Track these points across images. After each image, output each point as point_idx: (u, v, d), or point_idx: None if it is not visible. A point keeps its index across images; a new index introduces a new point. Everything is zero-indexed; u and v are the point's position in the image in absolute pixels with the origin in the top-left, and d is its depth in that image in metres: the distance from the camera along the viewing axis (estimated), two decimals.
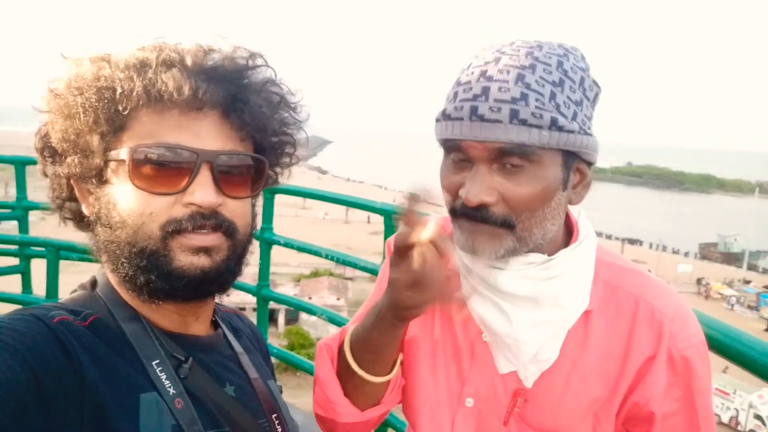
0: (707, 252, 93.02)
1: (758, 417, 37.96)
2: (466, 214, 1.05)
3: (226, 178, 0.92)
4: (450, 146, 1.06)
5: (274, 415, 1.05)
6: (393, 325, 1.07)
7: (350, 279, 49.55)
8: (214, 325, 1.09)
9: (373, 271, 2.98)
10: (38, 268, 4.66)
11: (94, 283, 0.98)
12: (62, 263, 4.23)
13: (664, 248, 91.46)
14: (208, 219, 0.90)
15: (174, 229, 0.88)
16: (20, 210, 5.20)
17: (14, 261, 5.30)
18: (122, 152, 0.88)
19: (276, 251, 3.93)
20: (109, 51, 0.91)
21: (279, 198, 3.99)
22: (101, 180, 0.91)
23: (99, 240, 0.93)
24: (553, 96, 0.99)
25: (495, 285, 1.09)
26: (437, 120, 1.08)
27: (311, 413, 1.32)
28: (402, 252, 0.97)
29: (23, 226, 5.30)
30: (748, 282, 73.46)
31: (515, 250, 1.06)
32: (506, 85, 0.98)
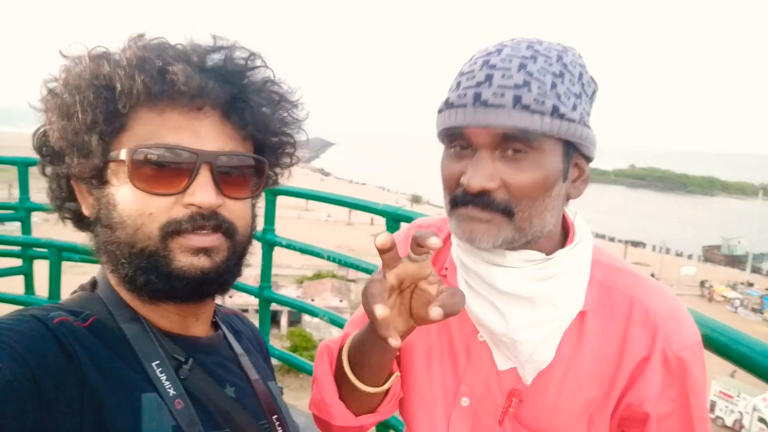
0: (711, 254, 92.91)
1: (762, 420, 37.85)
2: (466, 201, 1.04)
3: (226, 178, 0.92)
4: (452, 134, 1.06)
5: (274, 417, 1.05)
6: (379, 338, 1.03)
7: (353, 281, 49.54)
8: (215, 326, 1.09)
9: None
10: (41, 269, 4.67)
11: (94, 284, 0.98)
12: (65, 264, 4.23)
13: (668, 251, 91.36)
14: (208, 220, 0.89)
15: (174, 230, 0.87)
16: (23, 211, 5.20)
17: (17, 262, 5.30)
18: (122, 153, 0.88)
19: (279, 253, 3.93)
20: (108, 49, 0.91)
21: (282, 200, 3.99)
22: (101, 180, 0.91)
23: (99, 240, 0.93)
24: (554, 85, 1.00)
25: (492, 283, 1.09)
26: (440, 111, 1.08)
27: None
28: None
29: (26, 228, 5.30)
30: (750, 285, 73.30)
31: (513, 241, 1.05)
32: (509, 72, 0.99)
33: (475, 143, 1.02)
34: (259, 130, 0.96)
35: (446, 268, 1.24)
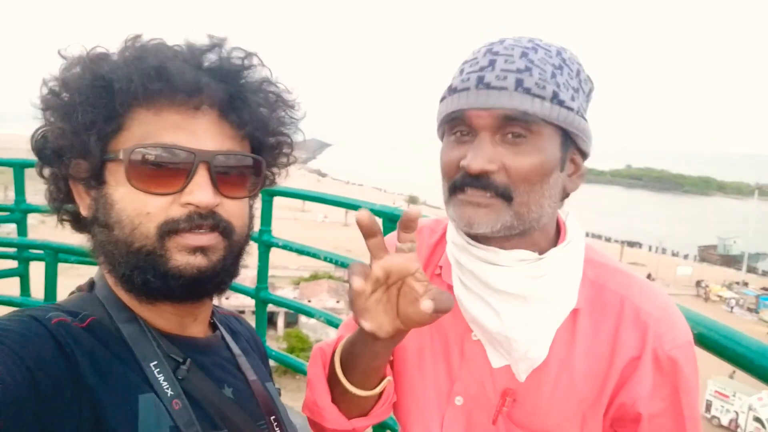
0: (707, 254, 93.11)
1: (758, 419, 37.96)
2: (465, 184, 1.05)
3: (223, 178, 0.92)
4: (454, 119, 1.07)
5: (272, 417, 1.04)
6: (368, 341, 1.04)
7: (349, 281, 49.36)
8: (213, 327, 1.09)
9: None
10: (37, 271, 4.66)
11: (92, 285, 0.98)
12: (61, 266, 4.22)
13: (664, 251, 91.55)
14: (205, 219, 0.89)
15: (171, 229, 0.87)
16: (19, 213, 5.19)
17: (13, 264, 5.29)
18: (120, 153, 0.88)
19: (276, 254, 3.92)
20: (106, 49, 0.91)
21: (278, 200, 3.99)
22: (99, 181, 0.91)
23: (97, 240, 0.93)
24: (554, 75, 1.04)
25: (486, 281, 1.10)
26: (442, 99, 1.11)
27: None
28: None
29: (22, 229, 5.29)
30: (746, 284, 73.50)
31: (511, 227, 1.06)
32: (511, 58, 1.03)
33: (476, 126, 1.04)
34: (257, 130, 0.96)
35: (441, 267, 1.24)
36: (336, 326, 3.41)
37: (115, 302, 0.93)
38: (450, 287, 1.18)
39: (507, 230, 1.06)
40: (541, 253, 1.11)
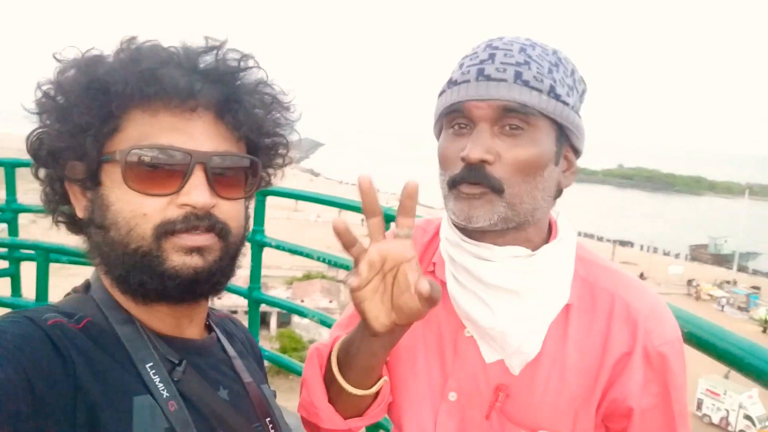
0: (698, 253, 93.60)
1: (748, 417, 38.22)
2: (463, 178, 1.07)
3: (219, 179, 0.92)
4: (453, 111, 1.09)
5: (267, 419, 1.05)
6: (367, 337, 1.04)
7: (342, 282, 49.35)
8: (208, 328, 1.09)
9: None
10: (28, 271, 4.63)
11: (87, 286, 0.98)
12: (53, 267, 4.20)
13: (655, 250, 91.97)
14: (202, 220, 0.90)
15: (167, 230, 0.87)
16: (10, 213, 5.16)
17: (4, 264, 5.25)
18: (117, 154, 0.88)
19: (268, 254, 3.92)
20: (101, 51, 0.91)
21: (271, 200, 3.98)
22: (95, 182, 0.91)
23: (93, 242, 0.93)
24: (550, 71, 1.07)
25: (479, 276, 1.11)
26: (441, 93, 1.13)
27: None
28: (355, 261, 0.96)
29: (13, 229, 5.26)
30: (734, 283, 73.93)
31: (507, 219, 1.07)
32: (511, 53, 1.07)
33: (475, 117, 1.06)
34: (253, 131, 0.96)
35: (434, 263, 1.25)
36: (328, 326, 3.40)
37: (111, 303, 0.93)
38: (443, 284, 1.19)
39: (504, 222, 1.08)
40: (533, 250, 1.13)
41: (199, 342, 1.02)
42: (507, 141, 1.06)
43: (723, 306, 63.03)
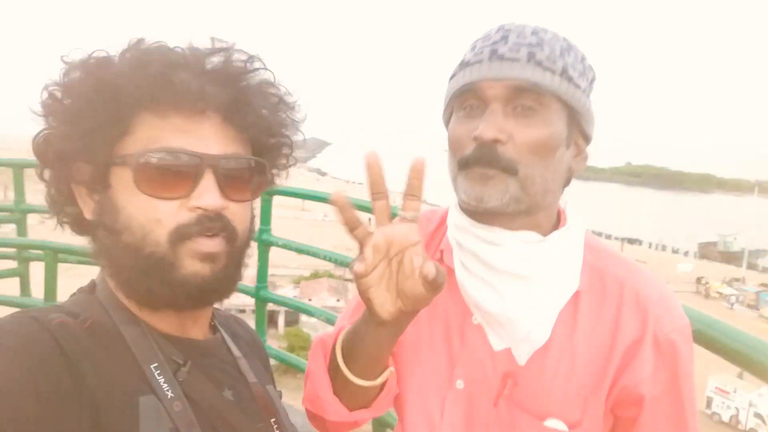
0: (707, 251, 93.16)
1: (758, 415, 38.04)
2: (475, 158, 1.06)
3: (228, 182, 0.92)
4: (465, 92, 1.09)
5: (272, 420, 1.04)
6: (372, 326, 1.04)
7: (350, 280, 49.47)
8: (213, 329, 1.09)
9: None
10: (37, 271, 4.66)
11: (93, 287, 0.97)
12: (61, 267, 4.22)
13: (664, 248, 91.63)
14: (214, 222, 0.90)
15: (183, 235, 0.87)
16: (19, 213, 5.20)
17: (13, 264, 5.29)
18: (127, 157, 0.88)
19: (276, 253, 3.92)
20: (111, 53, 0.91)
21: (279, 200, 3.99)
22: (105, 184, 0.90)
23: (101, 245, 0.92)
24: (562, 54, 1.07)
25: (488, 262, 1.10)
26: (453, 75, 1.13)
27: None
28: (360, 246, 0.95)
29: (21, 230, 5.30)
30: (744, 281, 73.47)
31: (519, 201, 1.07)
32: (524, 33, 1.07)
33: (488, 97, 1.06)
34: (260, 132, 0.97)
35: (441, 251, 1.24)
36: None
37: (116, 304, 0.93)
38: (451, 271, 1.18)
39: (516, 203, 1.07)
40: (543, 236, 1.12)
41: (204, 342, 1.02)
42: (519, 121, 1.05)
43: (732, 304, 62.73)
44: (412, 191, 0.91)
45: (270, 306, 4.01)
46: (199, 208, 0.88)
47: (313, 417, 1.24)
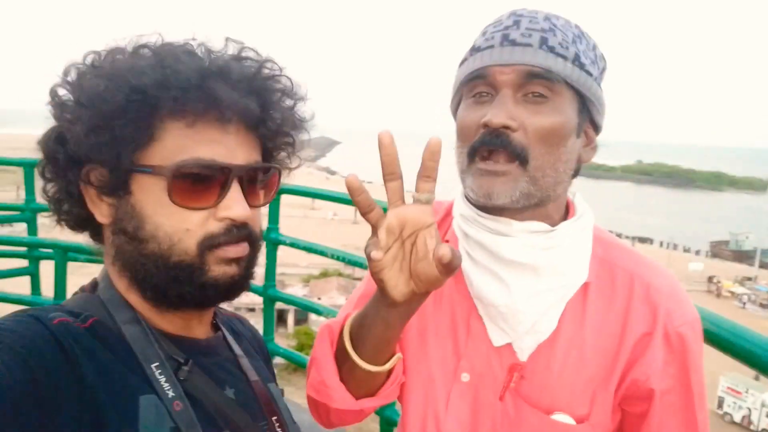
0: (718, 250, 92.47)
1: None
2: (485, 143, 1.04)
3: (250, 189, 0.94)
4: (475, 78, 1.07)
5: (274, 418, 1.04)
6: (383, 307, 1.02)
7: (359, 279, 49.51)
8: (215, 327, 1.09)
9: None
10: (47, 270, 4.68)
11: (95, 286, 0.97)
12: (71, 265, 4.25)
13: (675, 246, 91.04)
14: (241, 231, 0.91)
15: (211, 244, 0.89)
16: (29, 212, 5.23)
17: (23, 263, 5.32)
18: (157, 168, 0.87)
19: (286, 252, 3.93)
20: (132, 53, 0.90)
21: (288, 199, 3.99)
22: (125, 190, 0.89)
23: (119, 250, 0.91)
24: (574, 41, 1.06)
25: (496, 251, 1.09)
26: (463, 61, 1.11)
27: None
28: (372, 229, 0.94)
29: (32, 229, 5.33)
30: (757, 280, 72.88)
31: (529, 195, 1.05)
32: (536, 19, 1.06)
33: (499, 83, 1.04)
34: (276, 139, 0.98)
35: (447, 241, 1.22)
36: None
37: (118, 303, 0.93)
38: None
39: (525, 199, 1.05)
40: (552, 226, 1.11)
41: (205, 341, 1.02)
42: (530, 108, 1.04)
43: (745, 303, 62.22)
44: (427, 173, 0.90)
45: (279, 305, 4.02)
46: (227, 218, 0.89)
47: (316, 406, 1.21)
